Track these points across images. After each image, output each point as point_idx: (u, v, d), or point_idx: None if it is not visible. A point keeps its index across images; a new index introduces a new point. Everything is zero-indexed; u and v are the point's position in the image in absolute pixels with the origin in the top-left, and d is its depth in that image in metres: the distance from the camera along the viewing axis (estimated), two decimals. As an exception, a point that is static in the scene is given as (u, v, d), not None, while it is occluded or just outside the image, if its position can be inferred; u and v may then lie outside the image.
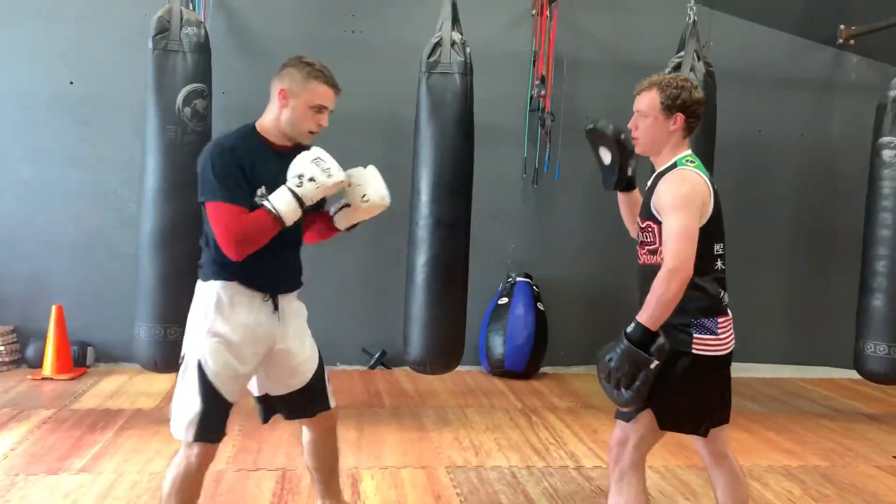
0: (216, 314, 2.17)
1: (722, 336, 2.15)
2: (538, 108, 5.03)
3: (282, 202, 2.11)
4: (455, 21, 3.74)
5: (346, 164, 5.24)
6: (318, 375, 2.41)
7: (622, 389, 2.05)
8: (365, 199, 2.34)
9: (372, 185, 2.35)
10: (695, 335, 2.10)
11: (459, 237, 3.74)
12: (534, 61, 5.07)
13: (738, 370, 5.17)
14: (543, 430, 3.86)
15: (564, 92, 5.07)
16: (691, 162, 2.15)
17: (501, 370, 4.84)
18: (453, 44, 3.68)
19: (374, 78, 4.98)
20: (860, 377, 4.44)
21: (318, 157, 2.20)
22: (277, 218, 2.10)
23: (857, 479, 3.36)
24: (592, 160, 2.40)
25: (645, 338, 2.01)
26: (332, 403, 2.47)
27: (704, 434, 2.18)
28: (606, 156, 2.32)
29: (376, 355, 5.02)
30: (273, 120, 2.24)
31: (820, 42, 5.46)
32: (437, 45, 3.68)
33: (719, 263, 2.17)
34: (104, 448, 3.33)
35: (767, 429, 4.08)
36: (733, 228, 5.23)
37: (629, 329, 2.03)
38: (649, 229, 2.14)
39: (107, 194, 4.78)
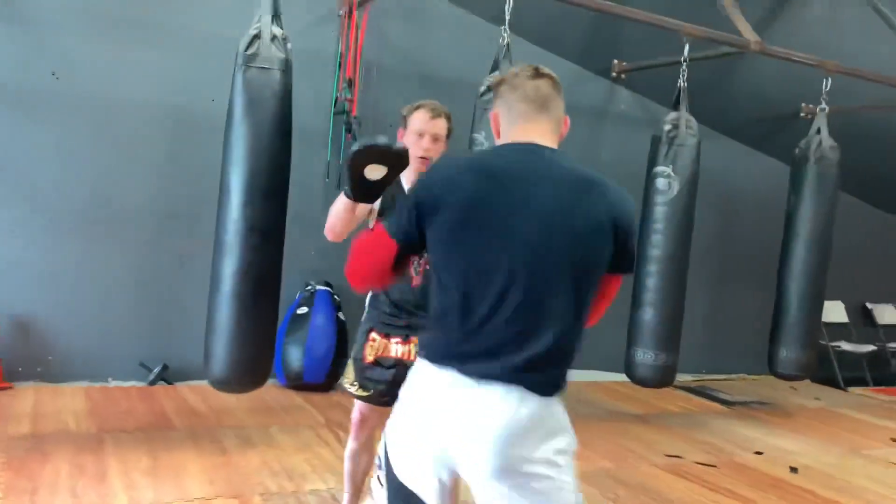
0: None
1: None
2: (343, 112, 4.91)
3: None
4: (275, 15, 3.50)
5: (127, 155, 4.71)
6: None
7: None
8: None
9: None
10: None
11: (274, 245, 3.50)
12: (339, 63, 4.93)
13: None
14: (352, 445, 3.75)
15: (372, 97, 5.00)
16: None
17: (300, 383, 4.63)
18: (273, 38, 3.43)
19: (164, 64, 4.54)
20: (623, 380, 4.92)
21: None
22: None
23: (642, 479, 3.69)
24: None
25: None
26: None
27: None
28: (377, 172, 2.01)
29: (156, 370, 4.55)
30: None
31: (597, 73, 5.96)
32: (256, 37, 3.41)
33: None
34: None
35: (557, 433, 4.34)
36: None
37: None
38: None
39: None
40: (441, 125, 2.39)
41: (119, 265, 4.52)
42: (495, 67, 4.19)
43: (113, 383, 4.49)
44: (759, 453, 4.28)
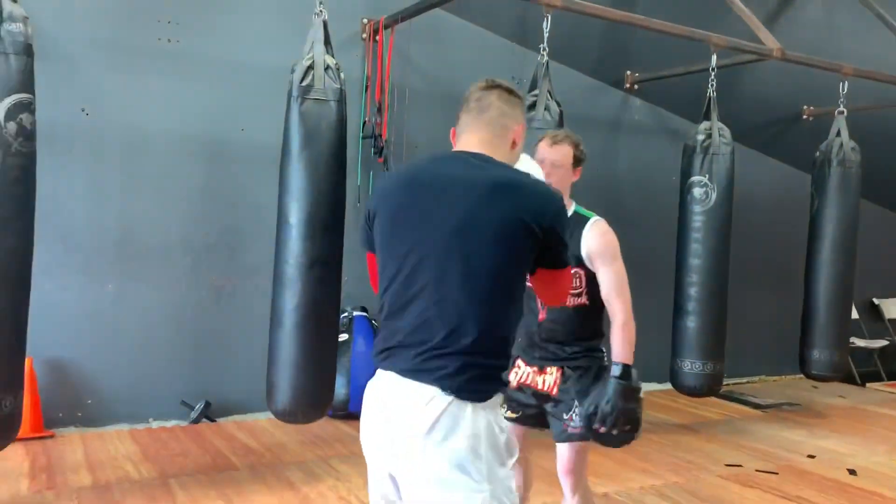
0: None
1: None
2: (372, 136, 4.86)
3: None
4: (327, 43, 3.45)
5: (160, 189, 4.58)
6: None
7: (625, 428, 2.23)
8: None
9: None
10: (603, 350, 2.51)
11: (334, 277, 3.46)
12: (366, 87, 4.89)
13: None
14: (417, 475, 3.69)
15: (398, 120, 4.96)
16: (589, 211, 2.48)
17: (345, 413, 4.54)
18: (327, 68, 3.39)
19: (192, 95, 4.46)
20: (653, 388, 4.93)
21: None
22: None
23: (712, 491, 3.69)
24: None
25: (626, 373, 2.26)
26: None
27: None
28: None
29: (199, 407, 4.44)
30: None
31: (611, 85, 6.00)
32: (310, 68, 3.36)
33: None
34: None
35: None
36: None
37: (617, 372, 2.26)
38: (577, 275, 2.41)
39: None
40: (560, 152, 2.41)
41: (155, 301, 4.41)
42: (534, 86, 4.19)
43: (154, 423, 4.37)
44: (811, 457, 4.31)
